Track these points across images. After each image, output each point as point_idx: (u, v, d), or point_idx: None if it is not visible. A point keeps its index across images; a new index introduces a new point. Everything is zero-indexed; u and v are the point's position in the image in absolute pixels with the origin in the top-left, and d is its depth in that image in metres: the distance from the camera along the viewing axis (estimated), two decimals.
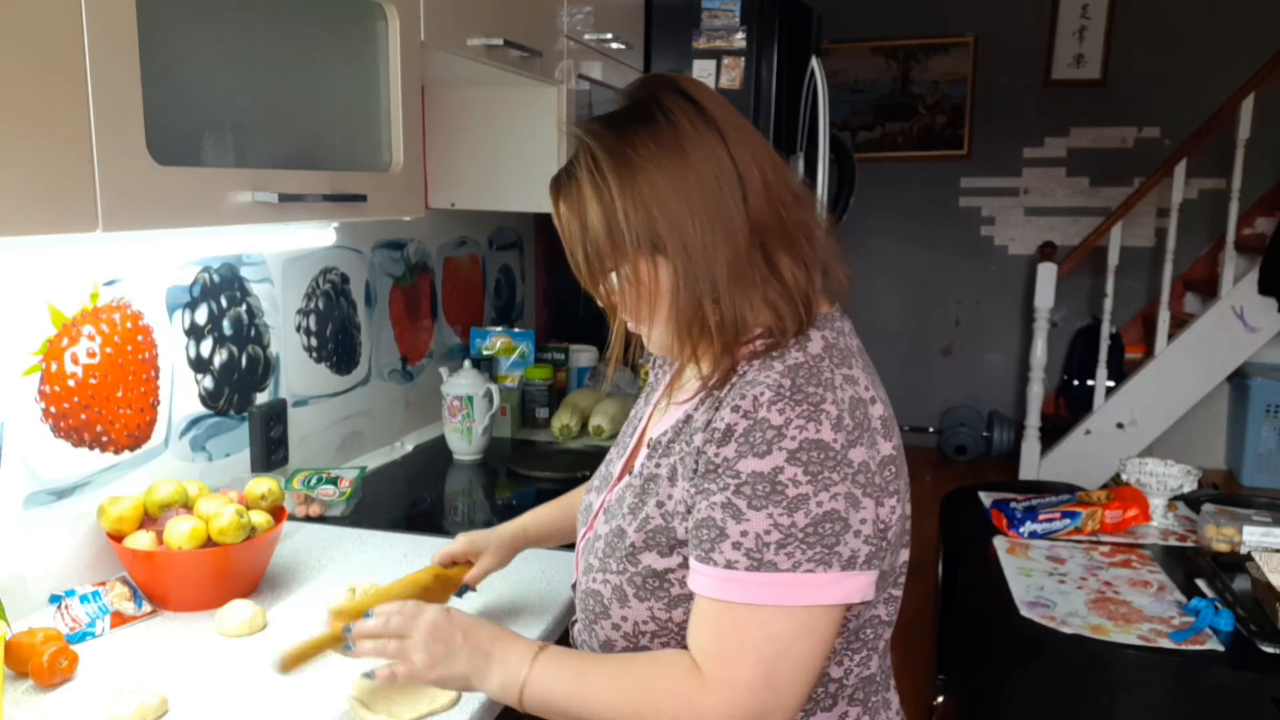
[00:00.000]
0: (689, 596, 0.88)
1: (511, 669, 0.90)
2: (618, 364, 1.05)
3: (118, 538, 1.30)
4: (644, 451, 0.99)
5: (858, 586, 0.84)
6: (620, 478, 1.03)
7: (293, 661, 0.99)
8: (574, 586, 1.08)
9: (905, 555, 0.94)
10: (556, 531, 1.28)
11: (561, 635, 1.29)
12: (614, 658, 0.93)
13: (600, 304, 0.96)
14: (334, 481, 1.68)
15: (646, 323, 0.94)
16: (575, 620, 1.07)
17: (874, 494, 0.84)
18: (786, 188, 0.92)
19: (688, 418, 0.93)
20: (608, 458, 1.12)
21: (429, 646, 0.91)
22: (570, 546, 1.19)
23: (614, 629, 0.94)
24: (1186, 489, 2.28)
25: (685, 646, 0.90)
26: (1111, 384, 4.50)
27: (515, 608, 1.33)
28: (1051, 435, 4.58)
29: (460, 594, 1.22)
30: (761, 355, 0.88)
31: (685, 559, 0.89)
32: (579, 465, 1.96)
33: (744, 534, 0.82)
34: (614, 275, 0.92)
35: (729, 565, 0.82)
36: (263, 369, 1.72)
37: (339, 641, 0.98)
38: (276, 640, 1.23)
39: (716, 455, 0.84)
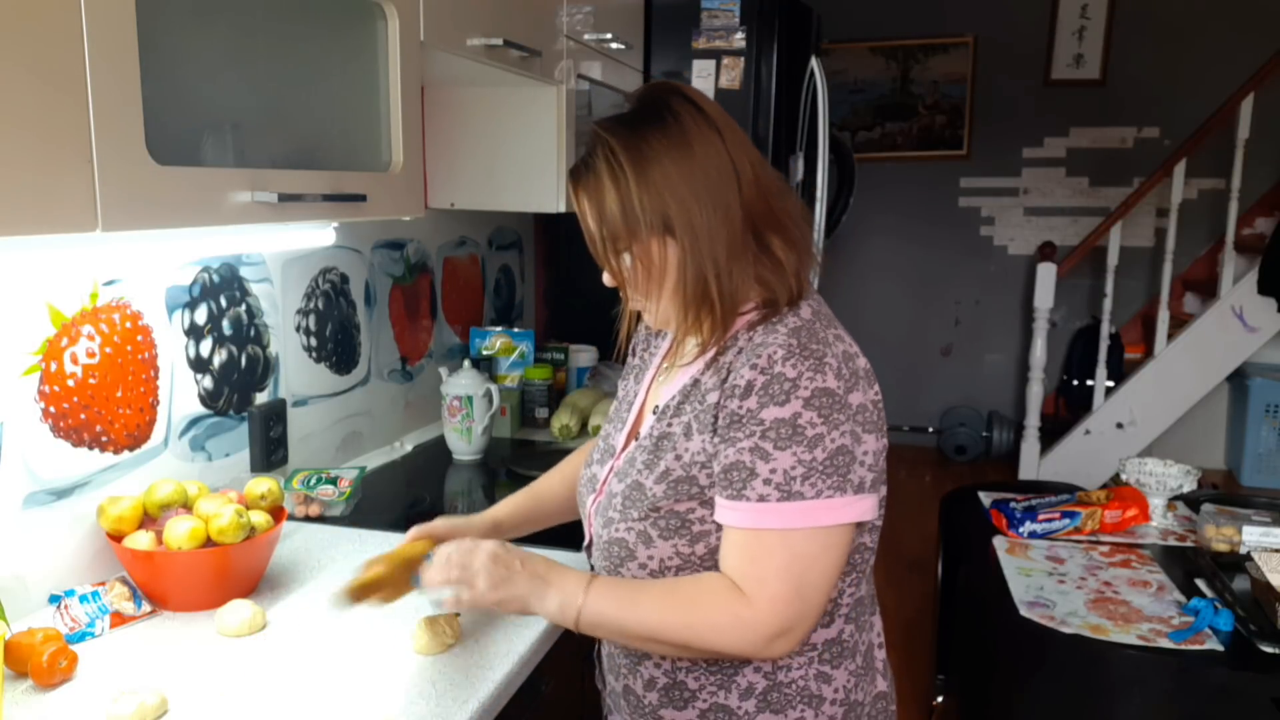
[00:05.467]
0: (709, 531, 1.01)
1: (569, 593, 1.01)
2: (631, 326, 1.18)
3: (117, 538, 1.30)
4: (649, 418, 1.10)
5: (867, 506, 0.99)
6: (626, 445, 1.14)
7: (357, 594, 1.08)
8: (587, 548, 1.17)
9: (884, 490, 1.06)
10: (527, 521, 1.34)
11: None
12: (661, 581, 1.03)
13: (613, 282, 1.08)
14: (333, 481, 1.68)
15: (655, 297, 1.06)
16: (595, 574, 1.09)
17: (870, 430, 0.99)
18: (772, 181, 1.06)
19: (695, 382, 1.05)
20: (604, 434, 1.22)
21: (490, 570, 1.02)
22: (533, 539, 1.31)
23: (640, 568, 1.05)
24: (1186, 489, 2.28)
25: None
26: (1111, 384, 4.50)
27: None
28: (1051, 435, 4.58)
29: (416, 582, 1.10)
30: (760, 324, 1.02)
31: (704, 501, 1.01)
32: None
33: (773, 471, 0.95)
34: (626, 255, 1.04)
35: (762, 499, 0.96)
36: (262, 369, 1.72)
37: (392, 583, 1.09)
38: (276, 640, 1.23)
39: (740, 408, 0.97)
